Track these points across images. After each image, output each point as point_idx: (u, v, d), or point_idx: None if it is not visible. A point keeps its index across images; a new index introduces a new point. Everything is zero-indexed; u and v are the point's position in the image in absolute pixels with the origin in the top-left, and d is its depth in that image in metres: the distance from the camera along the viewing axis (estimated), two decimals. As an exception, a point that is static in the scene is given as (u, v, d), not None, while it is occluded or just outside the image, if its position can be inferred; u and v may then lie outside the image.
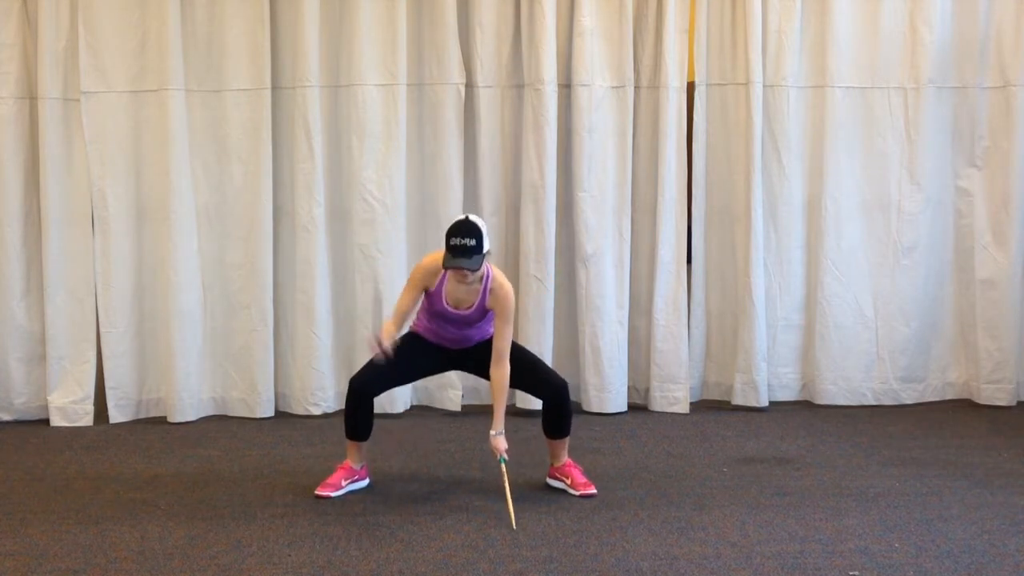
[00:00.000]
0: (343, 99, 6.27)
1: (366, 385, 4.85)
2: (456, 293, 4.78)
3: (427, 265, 4.78)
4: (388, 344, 4.62)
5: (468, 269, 4.58)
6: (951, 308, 6.72)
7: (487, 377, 4.86)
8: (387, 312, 6.22)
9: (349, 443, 4.96)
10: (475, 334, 4.92)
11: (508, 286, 4.76)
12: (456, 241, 4.58)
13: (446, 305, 4.80)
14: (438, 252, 4.75)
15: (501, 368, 4.75)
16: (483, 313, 4.82)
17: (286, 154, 6.27)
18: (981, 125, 6.59)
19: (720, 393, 6.69)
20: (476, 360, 4.97)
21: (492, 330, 4.88)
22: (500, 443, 4.71)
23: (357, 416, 4.87)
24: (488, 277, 4.75)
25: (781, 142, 6.46)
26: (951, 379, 6.76)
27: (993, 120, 6.57)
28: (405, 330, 4.99)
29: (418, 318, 5.00)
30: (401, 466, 5.34)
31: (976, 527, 4.50)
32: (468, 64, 6.31)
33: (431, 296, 4.81)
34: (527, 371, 4.95)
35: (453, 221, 4.72)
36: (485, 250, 4.62)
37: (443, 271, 4.73)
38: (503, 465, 4.70)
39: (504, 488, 4.65)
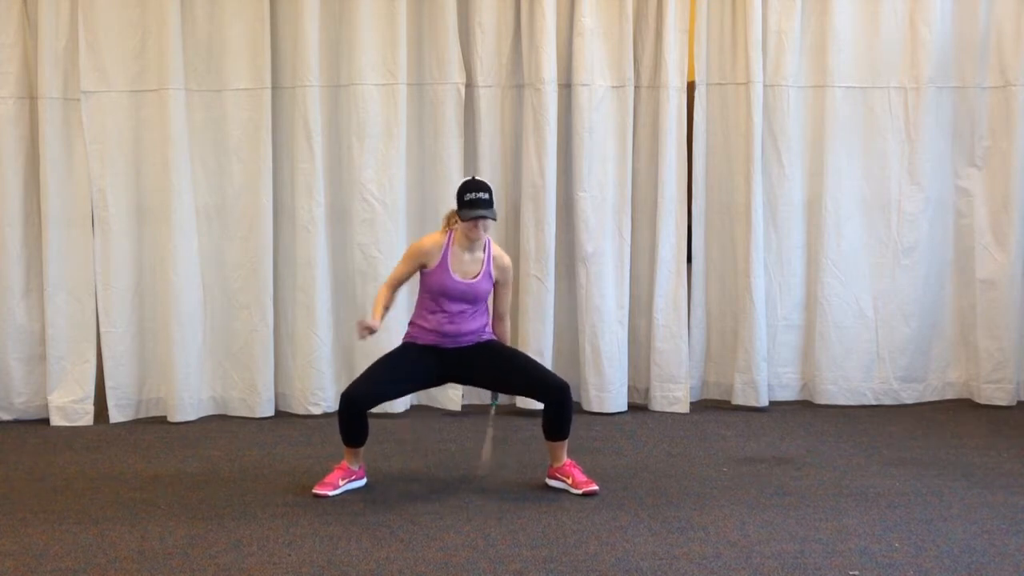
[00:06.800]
0: (343, 99, 6.28)
1: (359, 398, 4.85)
2: (461, 262, 4.88)
3: (427, 244, 4.94)
4: (376, 323, 4.82)
5: (490, 218, 4.80)
6: (951, 308, 6.72)
7: (483, 386, 5.20)
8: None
9: (346, 448, 4.96)
10: (471, 321, 4.93)
11: (506, 255, 5.05)
12: (472, 196, 4.80)
13: (453, 275, 4.85)
14: (436, 233, 5.00)
15: (502, 324, 5.11)
16: (488, 283, 4.92)
17: (286, 154, 6.28)
18: (981, 125, 6.59)
19: (720, 393, 6.69)
20: (472, 367, 4.97)
21: (488, 329, 5.03)
22: None
23: (351, 426, 4.87)
24: (488, 245, 4.95)
25: (781, 142, 6.46)
26: (951, 379, 6.76)
27: (993, 120, 6.57)
28: (398, 338, 5.15)
29: (413, 320, 5.01)
30: (401, 466, 5.34)
31: (976, 527, 4.50)
32: (468, 64, 6.31)
33: (435, 273, 4.87)
34: (525, 374, 4.96)
35: (461, 182, 4.94)
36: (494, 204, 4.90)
37: (448, 246, 4.87)
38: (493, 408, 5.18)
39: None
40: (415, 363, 4.95)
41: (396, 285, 5.00)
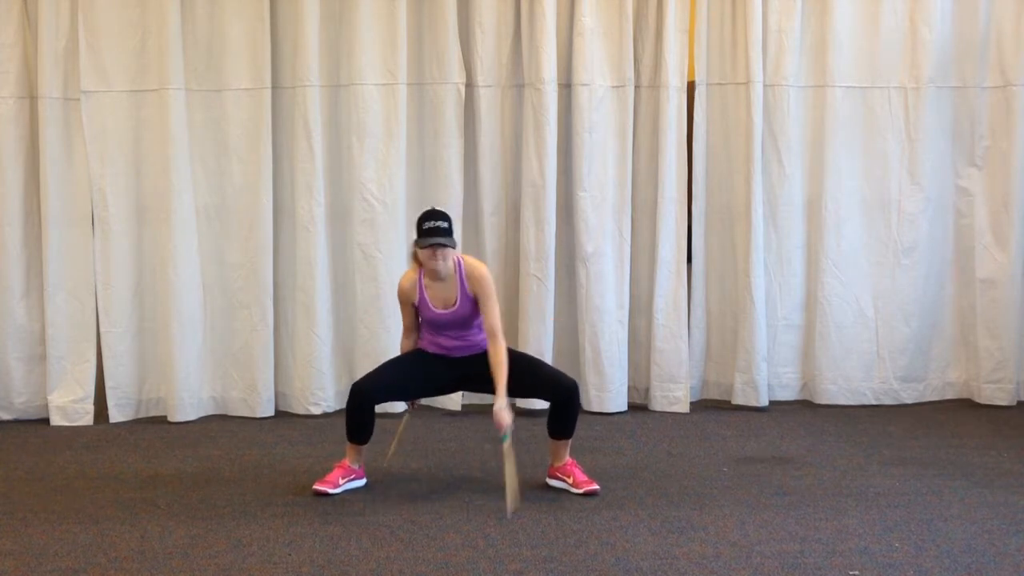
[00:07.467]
0: (343, 99, 6.28)
1: (368, 391, 4.87)
2: (436, 292, 4.86)
3: (404, 284, 4.94)
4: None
5: (446, 245, 4.72)
6: (951, 308, 6.73)
7: (493, 392, 4.96)
8: (386, 312, 6.24)
9: (349, 445, 4.97)
10: (476, 335, 4.93)
11: (481, 265, 4.93)
12: (430, 224, 4.75)
13: (434, 309, 4.86)
14: (410, 270, 4.96)
15: (497, 345, 4.79)
16: (471, 304, 4.86)
17: (286, 154, 6.28)
18: (981, 125, 6.59)
19: (720, 393, 6.69)
20: (482, 370, 4.91)
21: None
22: (505, 416, 4.65)
23: (358, 420, 4.88)
24: (460, 264, 4.87)
25: (781, 142, 6.46)
26: (951, 379, 6.76)
27: (993, 120, 6.57)
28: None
29: (421, 336, 5.04)
30: (401, 466, 5.34)
31: (976, 527, 4.50)
32: (468, 64, 6.32)
33: (420, 309, 4.92)
34: (535, 375, 4.95)
35: (420, 213, 4.89)
36: (455, 233, 4.85)
37: (419, 281, 4.86)
38: (505, 443, 4.67)
39: (504, 471, 4.66)
40: (427, 365, 4.97)
41: (410, 331, 5.03)
